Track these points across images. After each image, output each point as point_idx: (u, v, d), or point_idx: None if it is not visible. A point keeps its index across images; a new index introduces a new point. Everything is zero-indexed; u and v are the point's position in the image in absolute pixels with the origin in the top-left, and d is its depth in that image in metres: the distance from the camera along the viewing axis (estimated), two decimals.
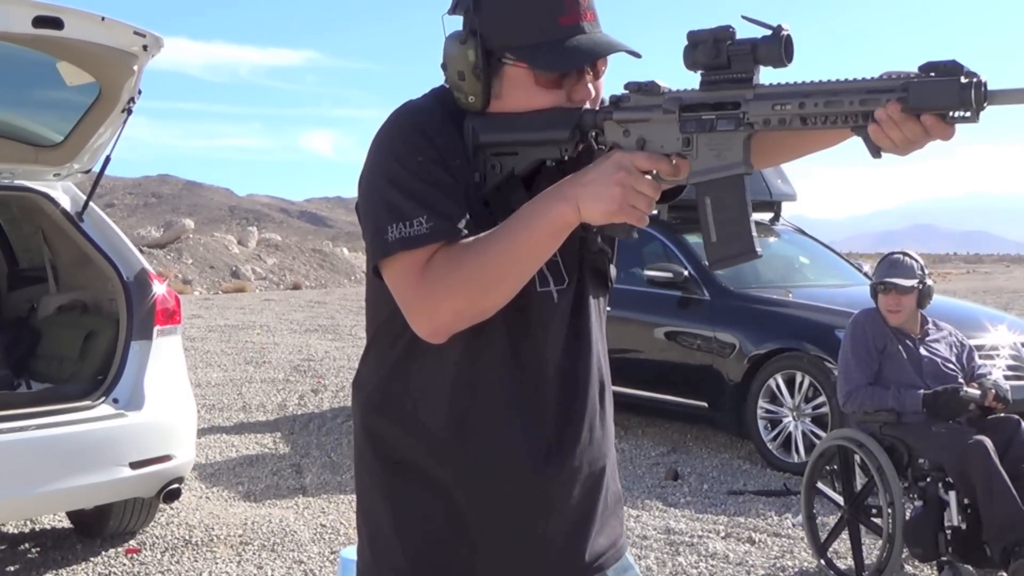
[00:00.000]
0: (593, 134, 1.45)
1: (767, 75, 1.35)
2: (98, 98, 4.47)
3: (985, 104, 1.22)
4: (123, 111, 4.47)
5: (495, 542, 1.53)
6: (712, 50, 1.34)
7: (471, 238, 1.42)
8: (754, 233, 1.38)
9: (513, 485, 1.52)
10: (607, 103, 1.48)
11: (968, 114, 1.23)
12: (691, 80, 1.39)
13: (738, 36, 1.34)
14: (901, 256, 4.49)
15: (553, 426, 1.54)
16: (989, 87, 1.22)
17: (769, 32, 1.32)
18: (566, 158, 1.47)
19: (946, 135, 1.25)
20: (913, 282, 4.36)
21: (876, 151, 1.29)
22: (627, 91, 1.44)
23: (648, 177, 1.38)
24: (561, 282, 1.55)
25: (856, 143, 1.33)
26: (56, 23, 3.91)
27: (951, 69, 1.23)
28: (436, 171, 1.44)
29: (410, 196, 1.42)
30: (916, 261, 4.46)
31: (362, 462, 1.61)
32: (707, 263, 1.43)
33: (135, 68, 4.26)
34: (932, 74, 1.24)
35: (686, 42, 1.36)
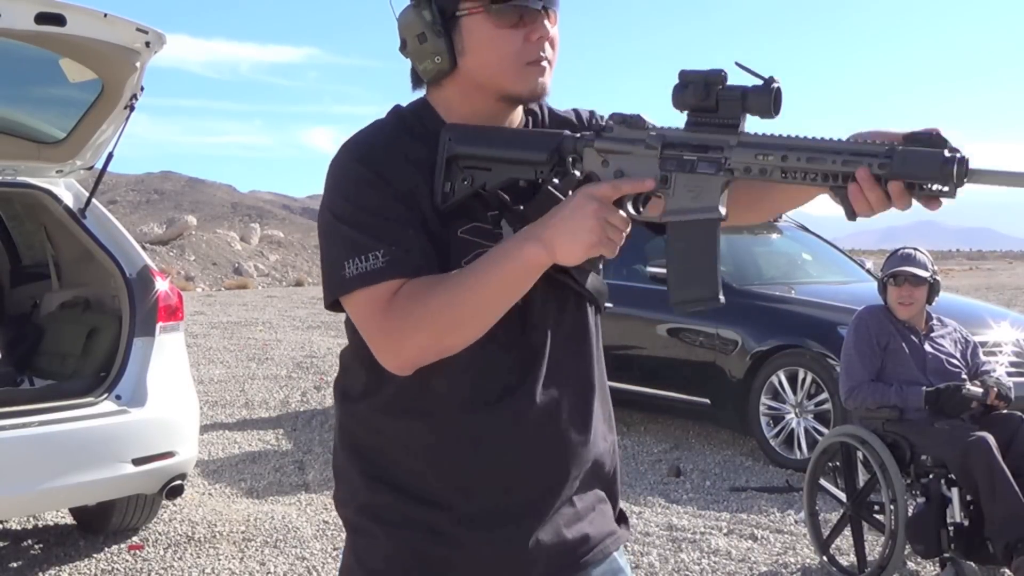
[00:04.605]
0: (571, 159, 1.43)
1: (752, 124, 1.34)
2: (100, 95, 4.46)
3: (964, 180, 1.22)
4: (125, 108, 4.47)
5: (477, 548, 1.50)
6: (702, 92, 1.33)
7: (440, 275, 1.40)
8: (720, 280, 1.36)
9: (496, 493, 1.49)
10: (589, 133, 1.45)
11: (946, 189, 1.23)
12: (678, 120, 1.37)
13: (729, 82, 1.33)
14: (912, 251, 4.49)
15: (553, 421, 1.51)
16: (971, 165, 1.22)
17: (761, 82, 1.31)
18: (540, 180, 1.44)
19: (930, 207, 1.26)
20: (927, 273, 4.37)
21: (852, 214, 1.29)
22: (611, 121, 1.42)
23: (620, 211, 1.36)
24: None
25: None
26: (58, 20, 3.91)
27: (935, 141, 1.24)
28: (385, 203, 1.42)
29: (362, 231, 1.41)
30: (926, 256, 4.47)
31: (347, 482, 1.58)
32: (670, 302, 1.40)
33: (137, 65, 4.26)
34: (916, 144, 1.24)
35: (677, 81, 1.35)
